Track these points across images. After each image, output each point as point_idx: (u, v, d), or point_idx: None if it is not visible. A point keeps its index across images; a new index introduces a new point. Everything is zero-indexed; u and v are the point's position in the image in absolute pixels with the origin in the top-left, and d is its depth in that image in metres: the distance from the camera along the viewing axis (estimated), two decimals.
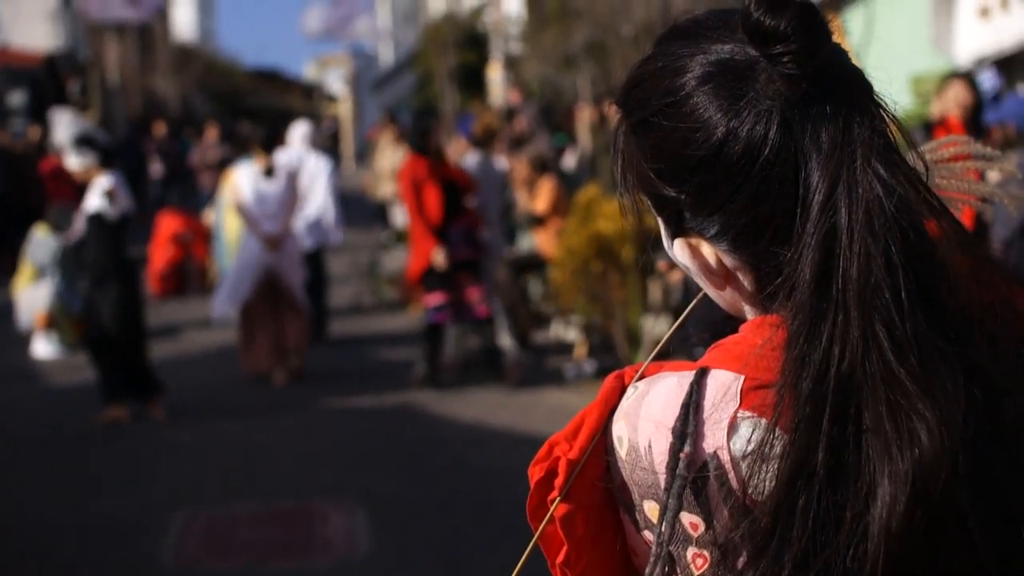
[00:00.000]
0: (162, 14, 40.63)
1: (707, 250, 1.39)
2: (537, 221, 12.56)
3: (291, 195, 11.51)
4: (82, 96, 35.27)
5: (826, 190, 1.27)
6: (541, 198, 12.62)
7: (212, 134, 22.92)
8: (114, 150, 10.46)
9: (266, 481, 8.31)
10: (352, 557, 6.82)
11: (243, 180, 11.56)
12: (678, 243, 1.42)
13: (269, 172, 11.46)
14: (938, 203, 1.32)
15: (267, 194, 11.37)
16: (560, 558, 1.43)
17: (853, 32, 10.82)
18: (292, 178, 11.61)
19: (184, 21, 68.06)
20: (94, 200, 9.78)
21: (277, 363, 11.31)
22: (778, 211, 1.30)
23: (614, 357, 10.74)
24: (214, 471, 8.59)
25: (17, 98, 30.56)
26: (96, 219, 9.82)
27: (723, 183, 1.33)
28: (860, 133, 1.28)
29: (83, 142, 9.92)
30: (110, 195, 9.67)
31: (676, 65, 1.36)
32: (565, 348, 11.90)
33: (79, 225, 10.52)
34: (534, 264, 12.58)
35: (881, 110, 1.33)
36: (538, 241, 12.63)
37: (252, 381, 11.39)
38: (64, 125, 9.87)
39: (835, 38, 1.33)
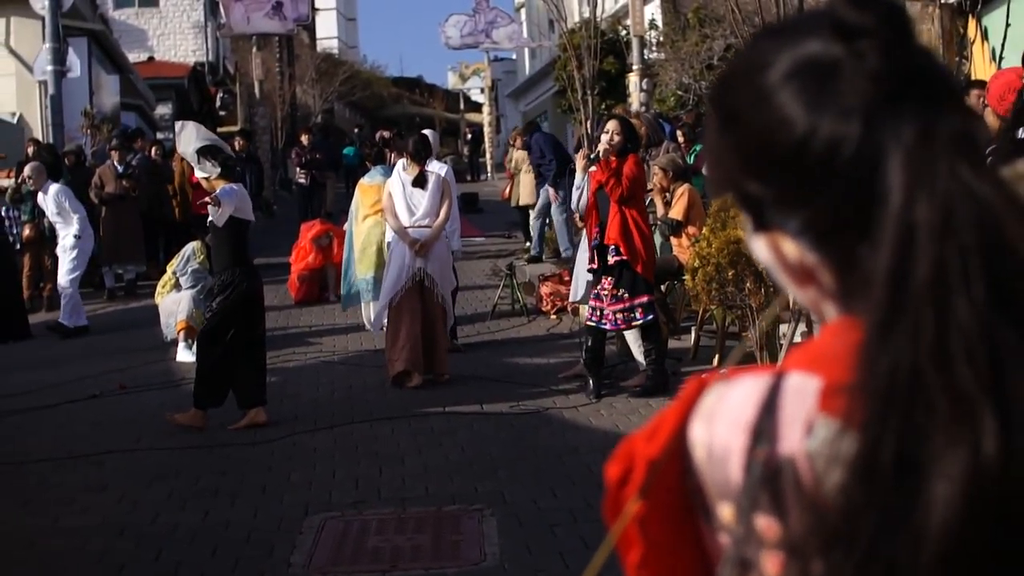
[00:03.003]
0: (306, 26, 41.21)
1: (789, 247, 1.36)
2: (675, 228, 12.46)
3: (440, 202, 11.68)
4: (227, 106, 35.96)
5: (905, 188, 1.23)
6: (677, 205, 12.52)
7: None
8: (233, 162, 10.72)
9: (397, 486, 8.33)
10: (482, 564, 6.79)
11: (394, 188, 11.79)
12: (760, 239, 1.40)
13: (419, 181, 11.62)
14: (1021, 206, 1.27)
15: (416, 202, 11.59)
16: (634, 559, 1.42)
17: (992, 33, 10.57)
18: (442, 185, 11.76)
19: (326, 34, 68.94)
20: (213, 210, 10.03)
21: (415, 366, 11.40)
22: (860, 209, 1.27)
23: (751, 364, 10.58)
24: (346, 476, 8.64)
25: (163, 109, 31.26)
26: (212, 226, 10.13)
27: (805, 179, 1.30)
28: (943, 133, 1.25)
29: (205, 153, 10.11)
30: (214, 203, 9.88)
31: (763, 61, 1.35)
32: (703, 355, 11.79)
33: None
34: (671, 271, 12.48)
35: (967, 112, 1.30)
36: (675, 248, 12.53)
37: (385, 386, 11.46)
38: (186, 136, 9.99)
39: (918, 37, 1.31)
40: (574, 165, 13.64)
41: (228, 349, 9.96)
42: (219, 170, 10.06)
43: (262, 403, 10.15)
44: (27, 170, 16.44)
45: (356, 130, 38.34)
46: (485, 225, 25.33)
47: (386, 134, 20.63)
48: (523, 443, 9.35)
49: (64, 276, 15.94)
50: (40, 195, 16.18)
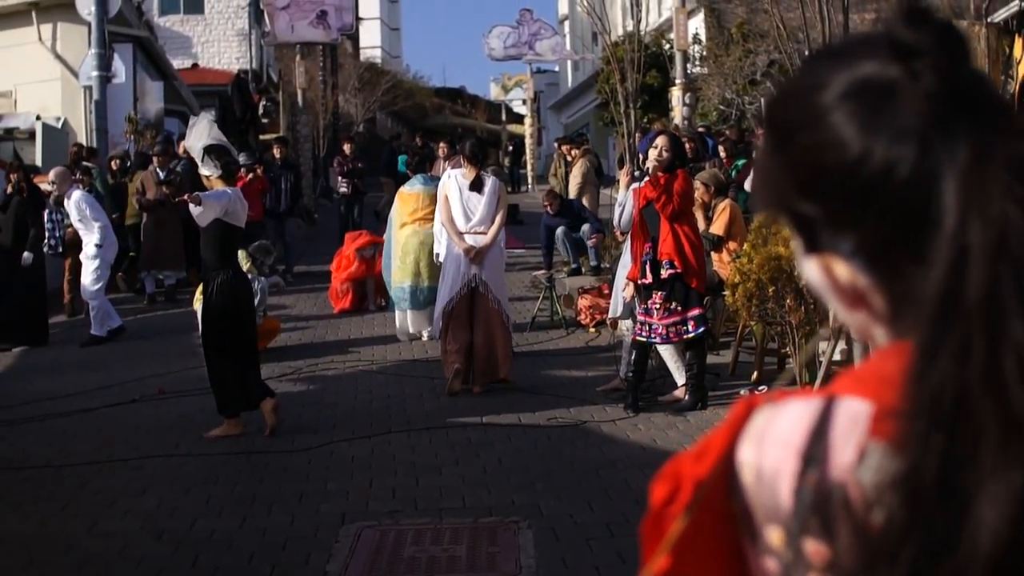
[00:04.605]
0: (350, 36, 41.36)
1: (841, 269, 1.35)
2: (716, 243, 12.44)
3: (497, 208, 11.73)
4: (270, 114, 36.09)
5: (960, 211, 1.22)
6: (719, 220, 12.50)
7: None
8: (236, 167, 10.80)
9: (434, 497, 8.34)
10: None
11: (451, 192, 11.81)
12: (811, 261, 1.39)
13: (476, 184, 11.65)
14: None
15: (473, 207, 11.63)
16: (661, 568, 1.39)
17: None
18: (498, 190, 11.79)
19: (370, 43, 69.15)
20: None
21: (460, 371, 11.50)
22: (913, 230, 1.26)
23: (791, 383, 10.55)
24: (383, 486, 8.64)
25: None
26: (201, 228, 10.26)
27: (858, 200, 1.29)
28: (998, 155, 1.23)
29: (211, 152, 10.18)
30: (193, 201, 9.99)
31: (818, 82, 1.35)
32: (741, 371, 11.76)
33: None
34: (711, 287, 12.46)
35: (1022, 135, 1.28)
36: (716, 263, 12.51)
37: (423, 396, 11.50)
38: (198, 131, 10.04)
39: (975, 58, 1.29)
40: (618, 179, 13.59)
41: (232, 351, 10.06)
42: (220, 172, 10.15)
43: (269, 395, 10.23)
44: (51, 175, 16.34)
45: (393, 140, 38.39)
46: (526, 237, 25.30)
47: (444, 146, 20.54)
48: (560, 456, 9.34)
49: (89, 287, 15.92)
50: (66, 201, 16.15)
